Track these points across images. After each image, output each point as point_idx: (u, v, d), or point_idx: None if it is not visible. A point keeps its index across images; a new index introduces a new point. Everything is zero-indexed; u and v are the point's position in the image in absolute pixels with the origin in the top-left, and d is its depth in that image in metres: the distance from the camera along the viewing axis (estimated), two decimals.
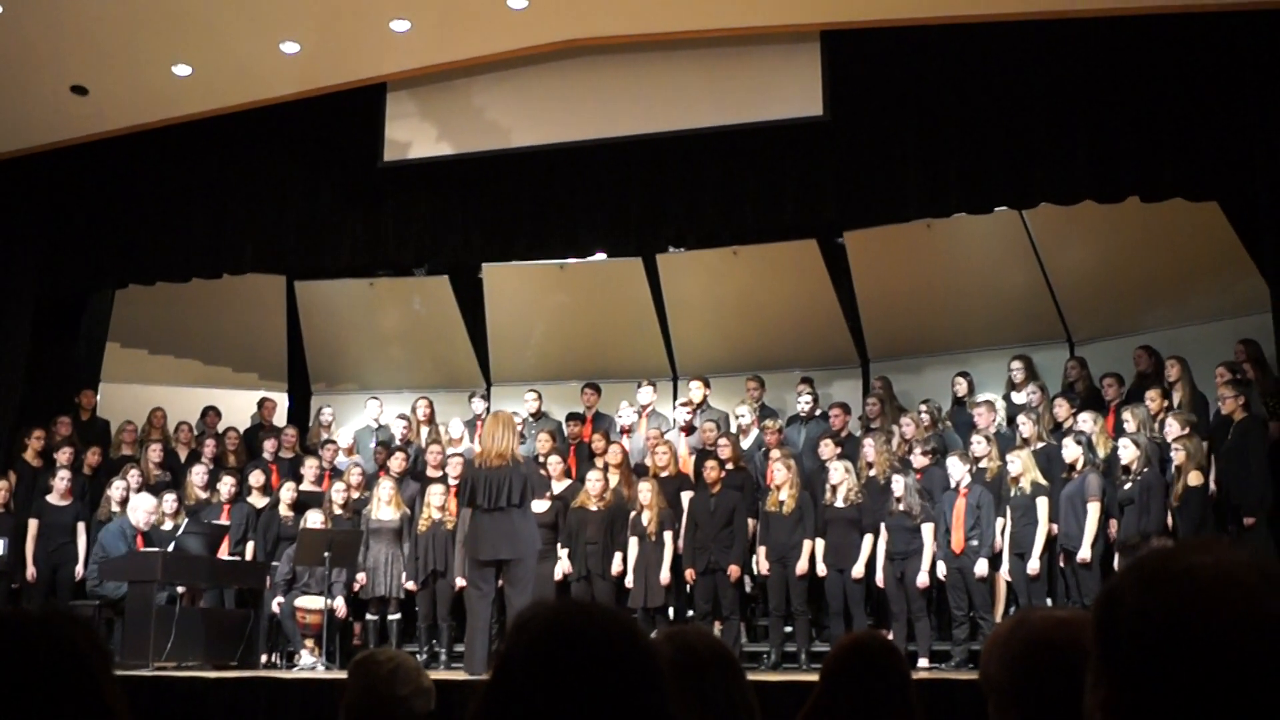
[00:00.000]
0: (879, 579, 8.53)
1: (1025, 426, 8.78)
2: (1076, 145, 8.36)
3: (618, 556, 8.99)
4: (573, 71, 9.69)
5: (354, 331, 12.61)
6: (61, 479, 9.82)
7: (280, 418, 12.00)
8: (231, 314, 12.24)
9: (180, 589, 9.19)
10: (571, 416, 10.82)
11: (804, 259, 10.99)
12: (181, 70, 9.80)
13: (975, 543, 8.28)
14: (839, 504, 8.70)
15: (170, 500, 9.73)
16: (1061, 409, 9.03)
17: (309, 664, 8.87)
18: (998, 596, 8.44)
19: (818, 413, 10.25)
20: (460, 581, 8.85)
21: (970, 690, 5.95)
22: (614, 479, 9.40)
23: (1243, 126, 8.01)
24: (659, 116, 9.42)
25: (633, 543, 8.97)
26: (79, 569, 9.75)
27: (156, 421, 11.21)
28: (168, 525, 9.52)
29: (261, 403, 11.85)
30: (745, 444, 9.86)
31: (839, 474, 8.74)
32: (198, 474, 10.22)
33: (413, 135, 10.07)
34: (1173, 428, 7.98)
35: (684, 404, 10.46)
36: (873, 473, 8.88)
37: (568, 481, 9.58)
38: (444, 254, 10.76)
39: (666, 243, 11.31)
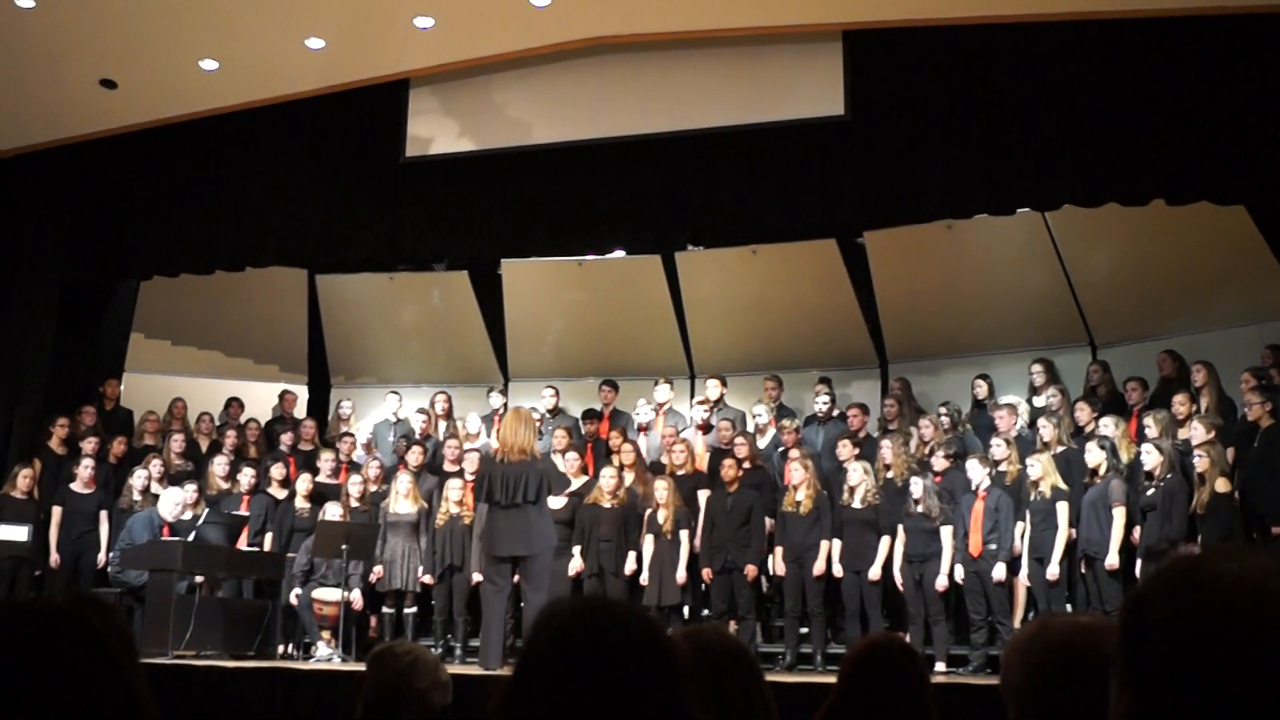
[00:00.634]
0: (897, 581, 8.51)
1: (1045, 430, 8.72)
2: (1101, 147, 8.29)
3: (631, 555, 8.99)
4: (594, 69, 9.69)
5: (374, 325, 12.66)
6: (85, 467, 9.90)
7: (300, 410, 12.06)
8: (253, 306, 12.31)
9: (199, 578, 9.24)
10: (589, 413, 10.83)
11: (823, 259, 10.97)
12: (208, 65, 9.85)
13: (993, 546, 8.24)
14: (856, 505, 8.67)
15: (190, 490, 9.79)
16: (1083, 413, 8.97)
17: (325, 655, 8.91)
18: (1016, 601, 8.40)
19: (835, 413, 10.23)
20: (477, 577, 8.88)
21: (989, 695, 5.94)
22: (629, 477, 9.41)
23: (1271, 130, 7.92)
24: (680, 115, 9.40)
25: (647, 540, 8.97)
26: (101, 556, 9.83)
27: (177, 412, 11.30)
28: (188, 515, 9.58)
29: (282, 395, 11.92)
30: (762, 443, 9.85)
31: (857, 475, 8.71)
32: (219, 464, 10.28)
33: (435, 131, 10.09)
34: (1197, 432, 7.88)
35: (701, 402, 10.46)
36: (890, 474, 8.86)
37: (584, 478, 9.59)
38: (464, 249, 10.80)
39: (685, 241, 11.31)
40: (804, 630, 8.79)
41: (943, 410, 9.73)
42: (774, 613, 9.50)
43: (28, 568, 9.62)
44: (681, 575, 8.83)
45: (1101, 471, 8.12)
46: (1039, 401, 9.62)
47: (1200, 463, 7.69)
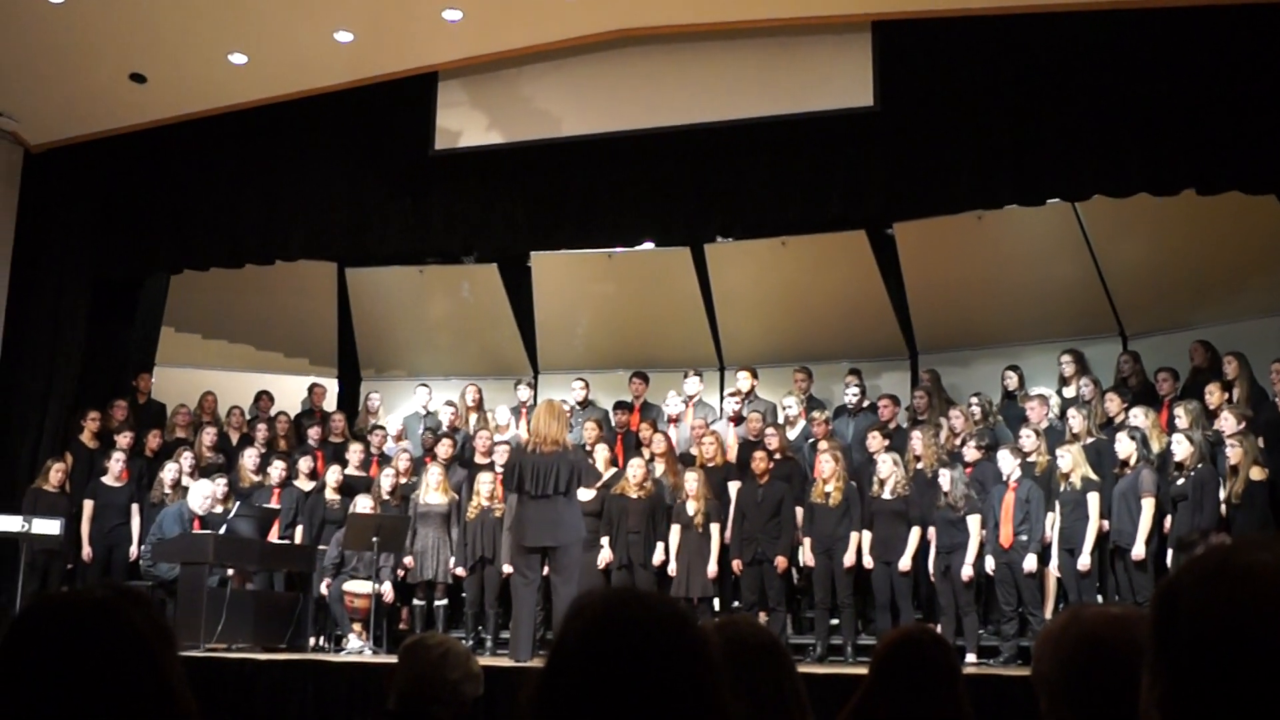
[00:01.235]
0: (929, 572, 8.49)
1: (1075, 421, 8.68)
2: (1131, 137, 8.23)
3: (659, 546, 9.00)
4: (623, 61, 9.68)
5: (403, 318, 12.70)
6: (116, 460, 9.99)
7: (330, 403, 12.12)
8: (283, 300, 12.38)
9: (230, 571, 9.32)
10: (619, 405, 10.84)
11: (853, 250, 10.94)
12: (238, 59, 9.91)
13: (1024, 537, 8.21)
14: (886, 496, 8.65)
15: (221, 483, 9.86)
16: (1113, 403, 8.92)
17: (356, 648, 8.97)
18: (1047, 592, 8.37)
19: (865, 404, 10.20)
20: (507, 569, 8.90)
21: (1020, 686, 5.92)
22: (659, 468, 9.41)
23: None
24: (708, 106, 9.39)
25: (674, 531, 8.97)
26: (133, 550, 9.91)
27: (208, 405, 11.36)
28: (217, 509, 9.65)
29: (312, 388, 11.97)
30: (792, 435, 9.84)
31: (887, 467, 8.69)
32: (250, 457, 10.34)
33: (463, 124, 10.11)
34: (1229, 422, 7.83)
35: (732, 394, 10.45)
36: (920, 465, 8.83)
37: (614, 470, 9.60)
38: (493, 242, 10.81)
39: (715, 233, 11.29)
40: (834, 622, 8.79)
41: (973, 401, 9.68)
42: (804, 604, 9.50)
43: (60, 561, 9.73)
44: (713, 568, 8.83)
45: (1132, 462, 8.08)
46: (1069, 392, 9.57)
47: (1233, 453, 7.64)
